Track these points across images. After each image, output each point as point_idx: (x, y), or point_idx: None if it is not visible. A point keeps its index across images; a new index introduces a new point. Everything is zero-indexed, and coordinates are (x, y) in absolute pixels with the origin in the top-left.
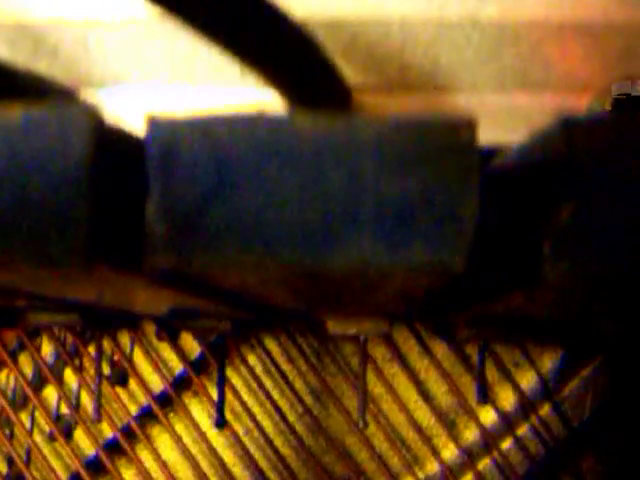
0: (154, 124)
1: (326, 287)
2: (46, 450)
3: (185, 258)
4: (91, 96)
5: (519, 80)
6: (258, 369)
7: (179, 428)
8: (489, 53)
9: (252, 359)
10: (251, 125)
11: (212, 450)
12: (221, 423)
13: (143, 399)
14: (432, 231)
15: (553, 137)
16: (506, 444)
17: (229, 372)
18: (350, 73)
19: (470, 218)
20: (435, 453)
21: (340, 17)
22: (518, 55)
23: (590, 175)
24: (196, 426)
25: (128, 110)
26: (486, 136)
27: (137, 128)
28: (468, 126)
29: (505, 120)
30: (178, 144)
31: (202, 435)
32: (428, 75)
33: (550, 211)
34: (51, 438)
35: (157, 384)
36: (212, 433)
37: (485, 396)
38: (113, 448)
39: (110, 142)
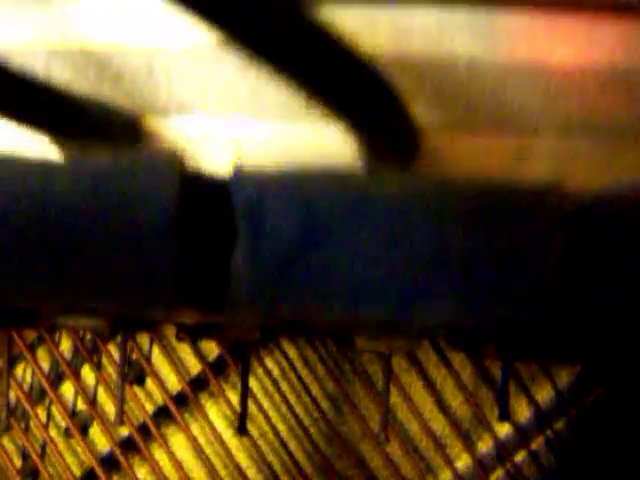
0: (240, 175)
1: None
2: (61, 445)
3: (271, 308)
4: (155, 124)
5: (582, 125)
6: (275, 372)
7: (195, 428)
8: (555, 98)
9: (270, 362)
10: (340, 182)
11: (227, 451)
12: (243, 430)
13: (160, 398)
14: (516, 290)
15: None
16: (520, 457)
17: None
18: (417, 112)
19: (547, 277)
20: (449, 463)
21: (409, 54)
22: (583, 101)
23: None
24: (212, 427)
25: (192, 139)
26: (548, 178)
27: (201, 156)
28: (552, 192)
29: (567, 164)
30: (266, 197)
31: (217, 436)
32: (493, 117)
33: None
34: (67, 434)
35: (174, 384)
36: (227, 434)
37: (507, 414)
38: (128, 446)
39: (195, 190)
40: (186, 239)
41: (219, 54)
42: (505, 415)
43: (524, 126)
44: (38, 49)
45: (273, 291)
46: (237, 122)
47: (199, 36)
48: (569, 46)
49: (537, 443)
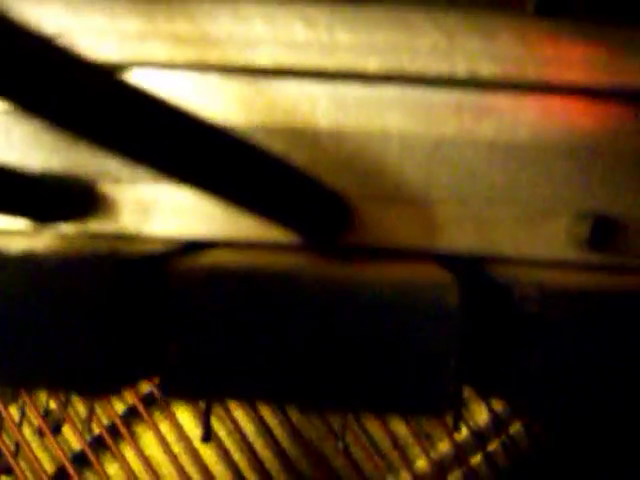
0: (175, 274)
1: None
2: (34, 444)
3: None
4: None
5: (507, 196)
6: None
7: (164, 426)
8: (480, 170)
9: None
10: (266, 283)
11: (194, 450)
12: (207, 438)
13: (130, 398)
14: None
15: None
16: (477, 458)
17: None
18: (351, 183)
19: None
20: (409, 463)
21: (343, 129)
22: (506, 173)
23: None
24: (179, 426)
25: None
26: (473, 247)
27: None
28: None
29: (491, 233)
30: (197, 294)
31: (184, 435)
32: (422, 188)
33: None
34: (40, 433)
35: (145, 384)
36: (195, 433)
37: (458, 426)
38: (99, 443)
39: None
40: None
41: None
42: (458, 426)
43: (451, 196)
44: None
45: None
46: None
47: None
48: (494, 121)
49: (493, 445)
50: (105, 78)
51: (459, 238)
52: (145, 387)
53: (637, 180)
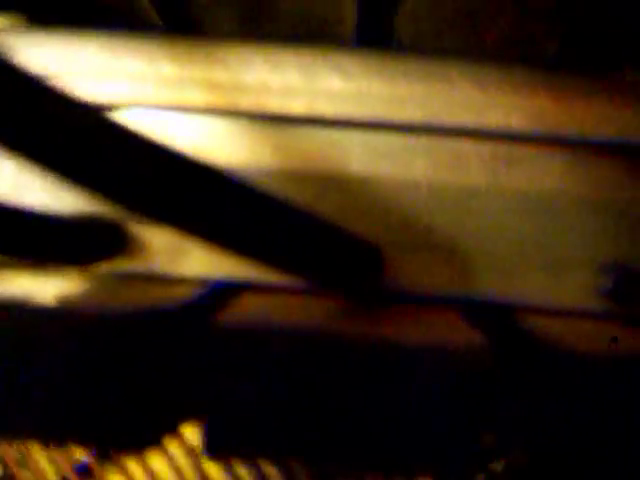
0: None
1: None
2: (38, 454)
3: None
4: None
5: (541, 253)
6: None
7: (169, 440)
8: (511, 221)
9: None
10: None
11: (199, 464)
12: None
13: None
14: None
15: None
16: None
17: None
18: (382, 231)
19: None
20: None
21: (373, 177)
22: (538, 225)
23: None
24: (184, 440)
25: None
26: (501, 295)
27: None
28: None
29: (519, 282)
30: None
31: (189, 449)
32: (452, 237)
33: None
34: (44, 444)
35: None
36: (200, 447)
37: None
38: (103, 456)
39: None
40: None
41: None
42: None
43: (479, 244)
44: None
45: None
46: None
47: None
48: (518, 171)
49: None
50: (95, 118)
51: (486, 286)
52: None
53: None
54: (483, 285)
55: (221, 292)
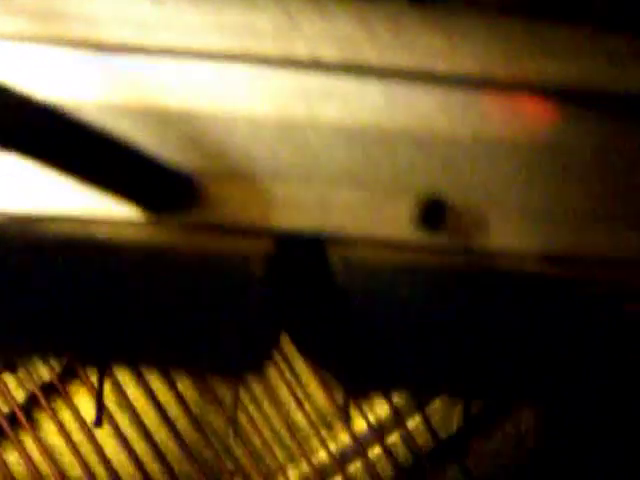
0: None
1: None
2: None
3: None
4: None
5: (350, 177)
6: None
7: (66, 415)
8: (326, 153)
9: None
10: None
11: (93, 439)
12: (99, 422)
13: (30, 386)
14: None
15: None
16: (377, 450)
17: (119, 367)
18: (198, 160)
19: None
20: (310, 453)
21: (192, 108)
22: (350, 156)
23: None
24: (79, 416)
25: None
26: (317, 225)
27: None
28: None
29: (334, 212)
30: None
31: (84, 425)
32: (268, 167)
33: None
34: None
35: (44, 371)
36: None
37: (347, 415)
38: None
39: None
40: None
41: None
42: (347, 419)
43: (293, 175)
44: (105, 105)
45: None
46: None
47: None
48: (333, 103)
49: (393, 438)
50: None
51: (301, 218)
52: (45, 374)
53: (475, 165)
54: (299, 217)
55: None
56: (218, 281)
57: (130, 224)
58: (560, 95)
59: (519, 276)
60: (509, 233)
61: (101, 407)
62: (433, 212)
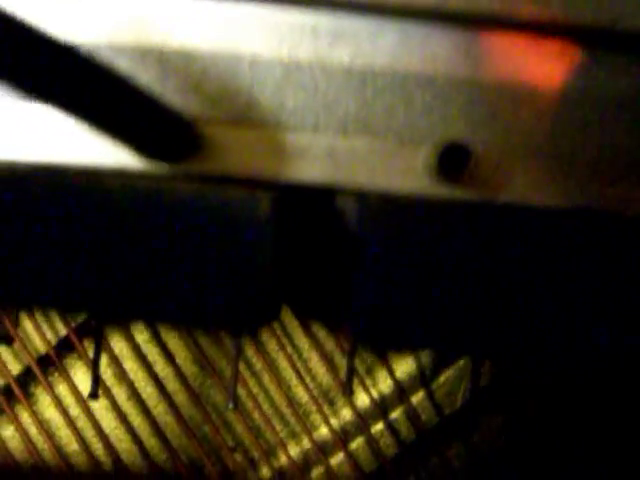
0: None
1: None
2: None
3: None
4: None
5: (361, 125)
6: (143, 337)
7: (63, 389)
8: (335, 97)
9: (139, 328)
10: None
11: (89, 413)
12: (95, 395)
13: (26, 359)
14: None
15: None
16: (379, 426)
17: (116, 339)
18: (200, 105)
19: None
20: (311, 429)
21: (193, 49)
22: (363, 101)
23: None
24: (76, 389)
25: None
26: (326, 176)
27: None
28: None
29: (345, 163)
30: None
31: (81, 398)
32: (274, 113)
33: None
34: None
35: (41, 344)
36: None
37: (350, 390)
38: None
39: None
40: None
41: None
42: (350, 390)
43: (304, 124)
44: (104, 46)
45: None
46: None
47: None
48: (343, 45)
49: (396, 413)
50: None
51: (310, 168)
52: (41, 347)
53: (496, 113)
54: (307, 167)
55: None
56: (225, 225)
57: (139, 175)
58: (588, 38)
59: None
60: (530, 185)
61: (97, 378)
62: (453, 159)
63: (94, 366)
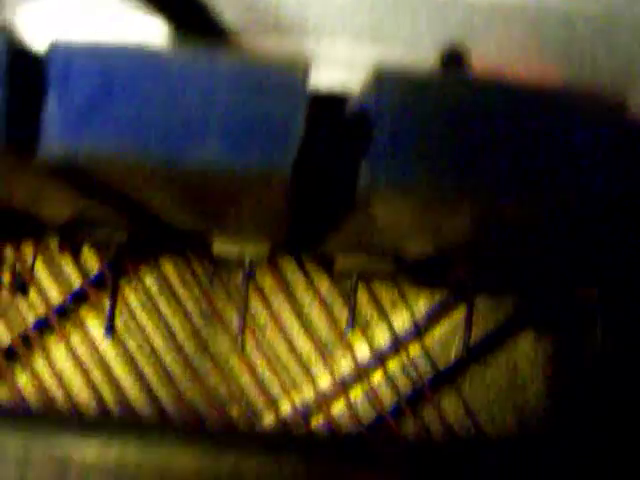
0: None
1: (197, 196)
2: None
3: (74, 149)
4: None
5: (375, 35)
6: (154, 289)
7: (75, 340)
8: (350, 7)
9: (149, 280)
10: (133, 51)
11: (103, 362)
12: (110, 331)
13: (42, 310)
14: (266, 143)
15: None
16: (377, 377)
17: (127, 291)
18: (230, 14)
19: (296, 137)
20: (312, 380)
21: None
22: (374, 13)
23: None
24: (90, 339)
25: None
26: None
27: None
28: (301, 69)
29: (359, 69)
30: (72, 61)
31: (95, 347)
32: (300, 20)
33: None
34: None
35: (57, 296)
36: (106, 347)
37: (353, 323)
38: (10, 354)
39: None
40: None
41: None
42: (352, 325)
43: (320, 30)
44: None
45: (75, 135)
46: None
47: None
48: None
49: (393, 365)
50: None
51: (328, 73)
52: (57, 298)
53: (490, 31)
54: (326, 72)
55: None
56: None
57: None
58: None
59: None
60: None
61: (113, 317)
62: (453, 59)
63: (112, 303)
